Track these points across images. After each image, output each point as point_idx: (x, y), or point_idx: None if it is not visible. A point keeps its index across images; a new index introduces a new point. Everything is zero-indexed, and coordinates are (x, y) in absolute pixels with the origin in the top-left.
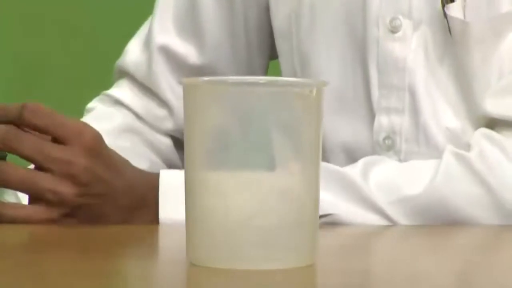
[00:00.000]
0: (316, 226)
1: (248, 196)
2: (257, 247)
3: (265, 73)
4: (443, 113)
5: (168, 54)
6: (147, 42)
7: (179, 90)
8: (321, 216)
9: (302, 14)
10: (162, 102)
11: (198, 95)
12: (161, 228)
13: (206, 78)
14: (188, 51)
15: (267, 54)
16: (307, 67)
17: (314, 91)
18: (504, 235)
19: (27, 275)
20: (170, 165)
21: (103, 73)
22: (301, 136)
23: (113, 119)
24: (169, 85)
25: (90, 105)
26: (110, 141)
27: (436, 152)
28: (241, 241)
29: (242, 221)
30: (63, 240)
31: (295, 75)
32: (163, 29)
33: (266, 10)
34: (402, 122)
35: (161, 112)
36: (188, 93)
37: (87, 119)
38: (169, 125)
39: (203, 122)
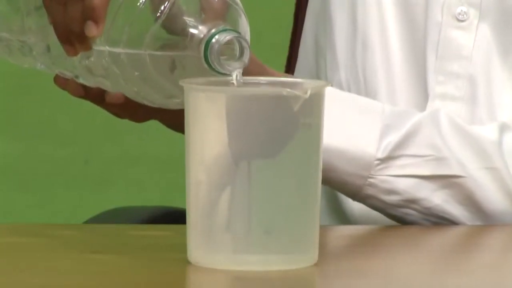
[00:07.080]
0: (317, 227)
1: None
2: (257, 248)
3: None
4: (499, 106)
5: None
6: None
7: None
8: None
9: None
10: None
11: (198, 96)
12: (161, 228)
13: (206, 79)
14: None
15: None
16: (366, 47)
17: (308, 92)
18: None
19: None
20: None
21: None
22: (297, 137)
23: None
24: None
25: None
26: None
27: None
28: (241, 241)
29: (242, 222)
30: (62, 235)
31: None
32: None
33: None
34: (457, 109)
35: None
36: (188, 94)
37: None
38: None
39: (203, 123)
